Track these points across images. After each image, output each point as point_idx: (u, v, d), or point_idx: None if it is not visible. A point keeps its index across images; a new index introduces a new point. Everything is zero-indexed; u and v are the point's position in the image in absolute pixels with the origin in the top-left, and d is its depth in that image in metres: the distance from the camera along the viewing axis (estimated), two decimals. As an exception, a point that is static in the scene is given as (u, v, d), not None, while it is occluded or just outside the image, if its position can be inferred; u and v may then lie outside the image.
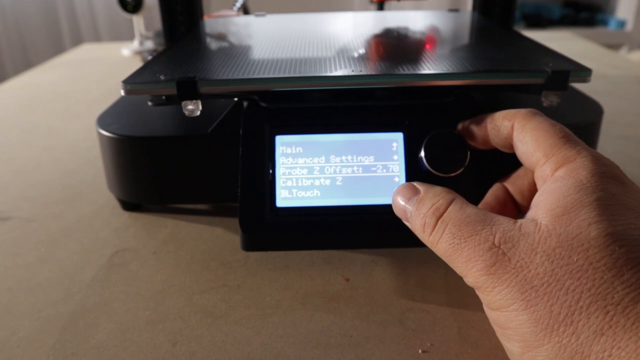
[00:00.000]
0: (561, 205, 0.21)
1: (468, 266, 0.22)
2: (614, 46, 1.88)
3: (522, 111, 0.26)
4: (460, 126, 0.30)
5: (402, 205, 0.25)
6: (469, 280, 0.22)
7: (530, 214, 0.22)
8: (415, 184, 0.25)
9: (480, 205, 0.29)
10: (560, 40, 0.97)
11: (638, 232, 0.20)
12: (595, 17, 2.09)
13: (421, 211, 0.24)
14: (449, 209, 0.23)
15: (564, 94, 0.30)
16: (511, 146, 0.27)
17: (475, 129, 0.29)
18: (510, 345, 0.21)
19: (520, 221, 0.22)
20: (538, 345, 0.19)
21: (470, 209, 0.23)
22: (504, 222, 0.22)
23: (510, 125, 0.26)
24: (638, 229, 0.20)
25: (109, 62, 0.90)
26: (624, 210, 0.20)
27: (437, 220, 0.23)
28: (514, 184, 0.28)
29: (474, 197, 0.29)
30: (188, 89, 0.29)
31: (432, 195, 0.24)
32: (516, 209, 0.28)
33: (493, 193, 0.29)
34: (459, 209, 0.23)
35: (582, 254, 0.19)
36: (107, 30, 1.98)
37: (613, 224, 0.20)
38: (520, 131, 0.25)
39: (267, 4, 1.14)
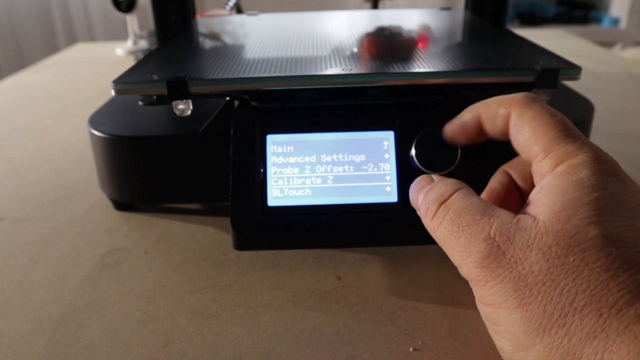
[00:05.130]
0: (560, 202, 0.20)
1: (463, 255, 0.22)
2: (607, 44, 1.89)
3: (518, 97, 0.24)
4: (449, 124, 0.29)
5: (415, 193, 0.26)
6: (463, 271, 0.22)
7: (528, 209, 0.22)
8: (432, 175, 0.26)
9: (486, 190, 0.28)
10: (554, 38, 0.98)
11: (636, 233, 0.19)
12: (589, 15, 2.10)
13: (428, 197, 0.25)
14: (453, 196, 0.24)
15: (555, 92, 0.30)
16: (507, 134, 0.25)
17: (465, 120, 0.27)
18: (502, 343, 0.21)
19: (519, 215, 0.21)
20: (529, 345, 0.19)
21: (474, 199, 0.23)
22: (502, 215, 0.22)
23: (506, 114, 0.24)
24: (636, 230, 0.19)
25: (102, 62, 0.89)
26: (623, 210, 0.20)
27: (440, 205, 0.24)
28: (516, 170, 0.28)
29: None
30: (178, 89, 0.29)
31: (442, 184, 0.25)
32: (520, 194, 0.28)
33: (497, 178, 0.28)
34: (463, 198, 0.23)
35: (579, 254, 0.19)
36: (101, 29, 1.98)
37: (611, 225, 0.19)
38: (518, 120, 0.24)
39: (260, 3, 1.14)
